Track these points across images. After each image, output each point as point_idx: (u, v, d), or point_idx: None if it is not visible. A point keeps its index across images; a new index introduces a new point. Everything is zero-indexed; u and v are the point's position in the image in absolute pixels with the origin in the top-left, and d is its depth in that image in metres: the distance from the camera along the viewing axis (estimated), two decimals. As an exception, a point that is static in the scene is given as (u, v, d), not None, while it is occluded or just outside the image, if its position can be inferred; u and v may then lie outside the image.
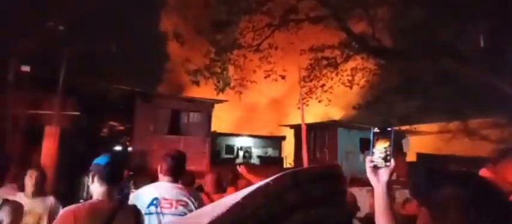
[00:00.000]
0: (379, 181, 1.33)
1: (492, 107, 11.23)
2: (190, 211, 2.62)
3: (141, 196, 2.64)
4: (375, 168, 1.34)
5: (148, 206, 2.57)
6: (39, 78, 11.57)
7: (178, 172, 2.78)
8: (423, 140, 18.83)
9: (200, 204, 2.75)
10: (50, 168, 9.84)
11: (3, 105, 10.75)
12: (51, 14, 12.13)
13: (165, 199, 2.61)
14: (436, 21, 9.89)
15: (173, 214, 2.59)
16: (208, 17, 11.30)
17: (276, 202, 1.57)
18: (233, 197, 1.59)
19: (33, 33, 11.92)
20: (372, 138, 1.35)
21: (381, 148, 1.33)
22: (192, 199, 2.69)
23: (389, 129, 1.35)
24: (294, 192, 1.63)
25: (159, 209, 2.57)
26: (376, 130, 1.36)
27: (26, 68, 11.46)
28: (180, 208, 2.62)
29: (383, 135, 1.35)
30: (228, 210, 1.47)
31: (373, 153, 1.34)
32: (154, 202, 2.58)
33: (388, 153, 1.32)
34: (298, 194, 1.63)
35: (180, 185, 2.77)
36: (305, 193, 1.65)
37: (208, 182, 3.41)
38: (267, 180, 1.61)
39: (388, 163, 1.32)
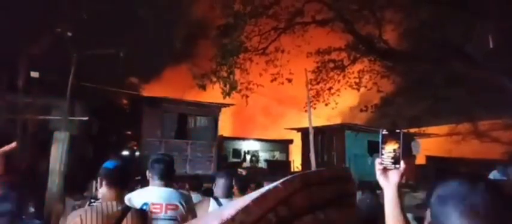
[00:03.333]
0: (389, 183, 1.32)
1: (502, 109, 11.07)
2: (181, 214, 2.64)
3: (132, 201, 2.64)
4: (385, 170, 1.33)
5: None
6: (48, 83, 11.71)
7: (168, 175, 2.78)
8: (432, 142, 18.62)
9: (190, 207, 2.77)
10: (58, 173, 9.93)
11: (13, 110, 10.89)
12: (59, 20, 12.28)
13: (154, 203, 2.62)
14: (445, 22, 9.80)
15: (163, 219, 2.60)
16: (214, 21, 11.34)
17: (285, 205, 1.56)
18: (241, 201, 1.58)
19: (42, 39, 12.08)
20: (380, 139, 1.35)
21: (390, 150, 1.33)
22: (183, 202, 2.70)
23: (398, 130, 1.35)
24: (303, 195, 1.61)
25: (149, 214, 2.57)
26: (385, 132, 1.36)
27: (35, 74, 11.61)
28: (169, 212, 2.63)
29: (392, 136, 1.34)
30: (235, 213, 1.46)
31: (382, 154, 1.34)
32: (144, 206, 2.59)
33: (397, 154, 1.32)
34: (308, 197, 1.61)
35: (170, 189, 2.77)
36: (314, 196, 1.63)
37: (218, 186, 3.40)
38: (276, 183, 1.60)
39: (397, 165, 1.31)
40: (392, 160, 1.32)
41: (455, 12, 9.41)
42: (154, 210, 2.59)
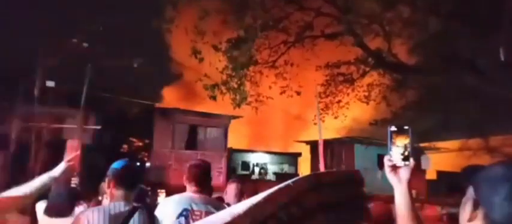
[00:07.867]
0: (399, 180, 1.29)
1: (514, 124, 10.90)
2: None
3: (171, 204, 2.66)
4: (394, 168, 1.31)
5: (178, 217, 2.58)
6: (63, 93, 11.97)
7: (204, 182, 2.79)
8: (443, 157, 18.37)
9: None
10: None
11: (28, 119, 11.14)
12: (75, 31, 12.62)
13: (194, 210, 2.62)
14: (455, 35, 9.78)
15: None
16: (225, 34, 11.50)
17: (296, 203, 1.58)
18: (253, 198, 1.61)
19: (58, 49, 12.40)
20: (389, 137, 1.34)
21: (399, 146, 1.31)
22: (220, 211, 2.70)
23: (406, 127, 1.34)
24: (315, 195, 1.64)
25: (189, 221, 2.57)
26: (394, 128, 1.35)
27: (50, 83, 11.89)
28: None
29: (401, 133, 1.33)
30: (248, 210, 1.49)
31: (391, 151, 1.32)
32: (185, 213, 2.59)
33: (407, 151, 1.30)
34: (319, 197, 1.64)
35: (206, 196, 2.78)
36: (326, 196, 1.66)
37: (229, 192, 3.46)
38: (288, 182, 1.64)
39: (407, 162, 1.30)
40: (402, 157, 1.30)
41: (466, 25, 9.39)
42: (194, 217, 2.58)
